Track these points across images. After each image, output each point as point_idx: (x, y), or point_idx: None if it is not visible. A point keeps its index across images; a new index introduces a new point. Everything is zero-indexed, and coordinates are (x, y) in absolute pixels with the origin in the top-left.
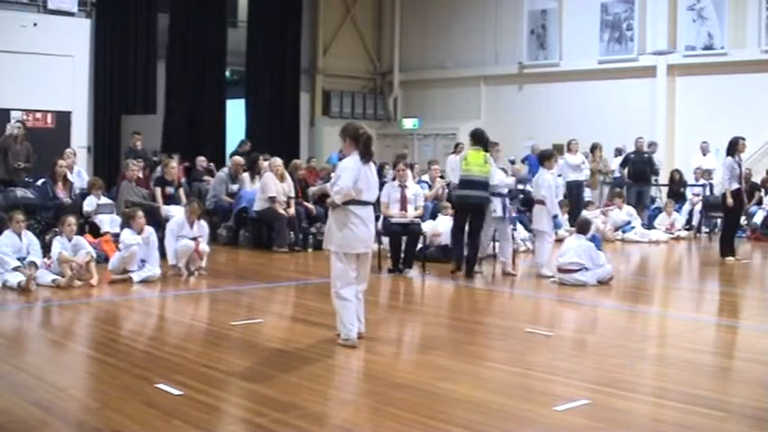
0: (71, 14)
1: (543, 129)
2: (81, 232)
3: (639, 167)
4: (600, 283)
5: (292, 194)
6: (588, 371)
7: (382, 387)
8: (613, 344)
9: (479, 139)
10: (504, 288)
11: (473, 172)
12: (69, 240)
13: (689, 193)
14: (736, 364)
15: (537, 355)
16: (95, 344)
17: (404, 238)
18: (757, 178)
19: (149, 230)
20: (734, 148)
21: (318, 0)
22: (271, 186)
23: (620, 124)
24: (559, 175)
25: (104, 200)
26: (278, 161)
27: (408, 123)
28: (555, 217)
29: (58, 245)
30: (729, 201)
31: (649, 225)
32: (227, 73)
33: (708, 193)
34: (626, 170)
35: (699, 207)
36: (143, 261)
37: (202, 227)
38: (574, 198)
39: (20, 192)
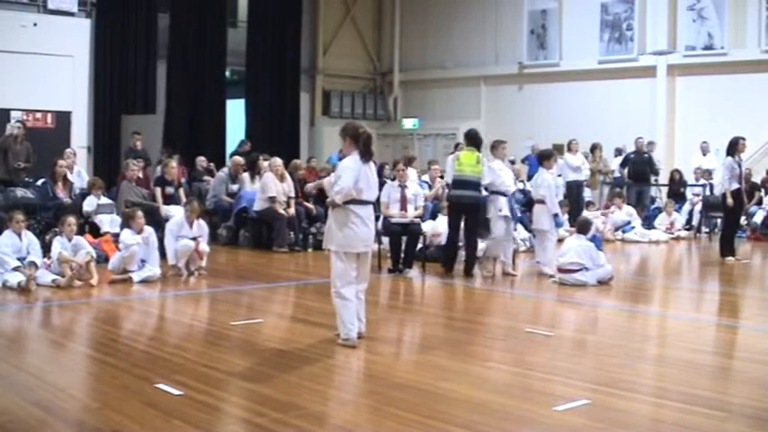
0: (71, 14)
1: (543, 129)
2: (81, 232)
3: (639, 167)
4: (600, 283)
5: (292, 194)
6: (588, 371)
7: (382, 387)
8: (613, 344)
9: (473, 139)
10: (504, 288)
11: (465, 172)
12: (69, 240)
13: (689, 193)
14: (736, 364)
15: (537, 355)
16: (95, 344)
17: (404, 238)
18: (757, 178)
19: (149, 230)
20: (734, 148)
21: (318, 0)
22: (271, 186)
23: (620, 124)
24: (559, 175)
25: (104, 200)
26: (278, 161)
27: (408, 123)
28: (555, 216)
29: (58, 245)
30: (729, 201)
31: (649, 225)
32: (227, 73)
33: (708, 193)
34: (626, 170)
35: (699, 207)
36: (143, 261)
37: (202, 227)
38: (574, 198)
39: (20, 192)
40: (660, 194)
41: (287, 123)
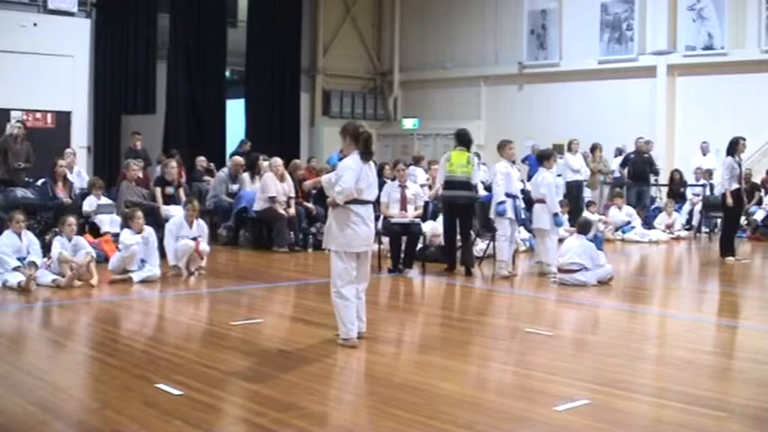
0: (71, 14)
1: (543, 129)
2: (81, 232)
3: (639, 167)
4: (600, 283)
5: (292, 194)
6: (588, 371)
7: (382, 387)
8: (613, 344)
9: (462, 139)
10: (504, 288)
11: (456, 173)
12: (69, 240)
13: (689, 193)
14: (736, 364)
15: (537, 355)
16: (95, 344)
17: (404, 238)
18: (757, 178)
19: (149, 230)
20: (734, 148)
21: (318, 0)
22: (271, 186)
23: (620, 124)
24: (559, 175)
25: (104, 200)
26: (278, 161)
27: (408, 123)
28: (555, 215)
29: (58, 245)
30: (729, 201)
31: (649, 225)
32: (227, 73)
33: (708, 193)
34: (626, 170)
35: (699, 207)
36: (143, 261)
37: (202, 227)
38: (574, 198)
39: (20, 192)
40: (660, 194)
41: (287, 123)
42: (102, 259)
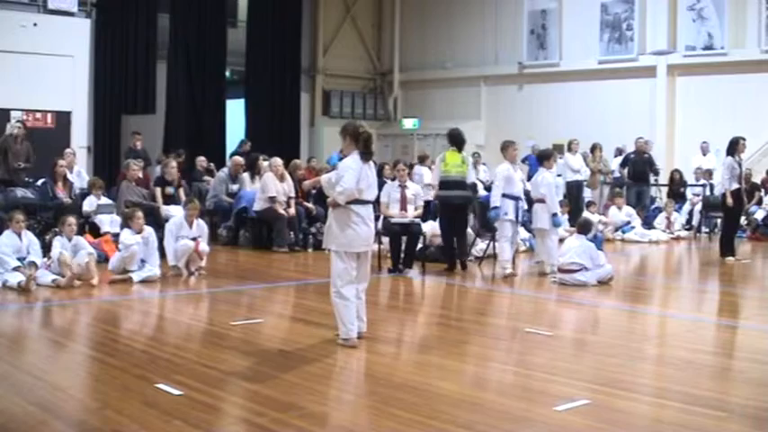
0: (71, 14)
1: (543, 129)
2: (81, 232)
3: (639, 167)
4: (600, 283)
5: (292, 194)
6: (588, 371)
7: (382, 387)
8: (613, 344)
9: (455, 140)
10: (504, 288)
11: (451, 173)
12: (69, 240)
13: (689, 193)
14: (736, 364)
15: (537, 355)
16: (95, 344)
17: (404, 238)
18: (757, 178)
19: (149, 230)
20: (734, 148)
21: (318, 0)
22: (271, 186)
23: (620, 124)
24: (559, 175)
25: (104, 200)
26: (278, 161)
27: (408, 123)
28: (554, 215)
29: (58, 245)
30: (729, 201)
31: (649, 225)
32: (227, 73)
33: (708, 193)
34: (626, 170)
35: (699, 207)
36: (143, 261)
37: (202, 227)
38: (574, 198)
39: (20, 192)
40: (660, 194)
41: (287, 123)
42: (102, 259)
